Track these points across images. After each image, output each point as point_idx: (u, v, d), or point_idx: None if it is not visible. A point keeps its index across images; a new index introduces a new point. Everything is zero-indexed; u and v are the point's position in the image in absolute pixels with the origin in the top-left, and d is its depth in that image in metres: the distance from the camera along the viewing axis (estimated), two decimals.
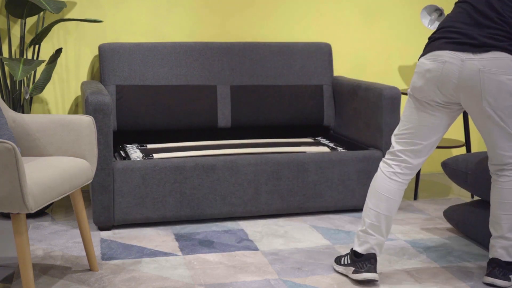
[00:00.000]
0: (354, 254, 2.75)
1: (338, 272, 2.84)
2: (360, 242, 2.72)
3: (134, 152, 3.49)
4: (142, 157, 3.43)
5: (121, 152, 3.57)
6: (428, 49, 2.53)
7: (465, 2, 2.57)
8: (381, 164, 2.72)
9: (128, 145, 3.66)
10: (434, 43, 2.52)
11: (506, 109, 2.49)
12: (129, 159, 3.43)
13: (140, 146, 3.64)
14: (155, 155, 3.44)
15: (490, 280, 2.69)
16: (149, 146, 3.64)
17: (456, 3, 2.64)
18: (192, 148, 3.60)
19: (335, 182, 3.51)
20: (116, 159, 3.48)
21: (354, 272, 2.71)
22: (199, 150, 3.55)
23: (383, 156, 3.62)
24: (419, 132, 2.61)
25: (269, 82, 3.89)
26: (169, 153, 3.49)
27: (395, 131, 2.70)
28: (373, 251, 2.71)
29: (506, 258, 2.69)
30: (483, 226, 3.10)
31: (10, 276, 2.77)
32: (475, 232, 3.16)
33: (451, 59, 2.46)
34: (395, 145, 2.67)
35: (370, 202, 2.70)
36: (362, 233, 2.72)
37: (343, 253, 3.07)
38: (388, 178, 2.67)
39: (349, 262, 2.78)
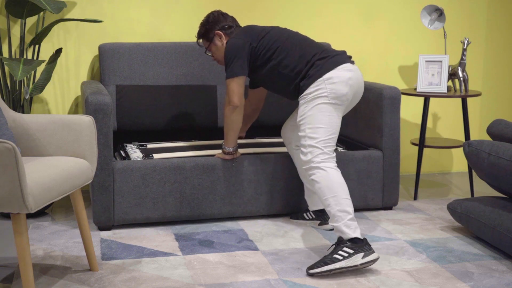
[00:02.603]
0: (353, 241, 2.83)
1: (334, 270, 2.79)
2: (353, 229, 2.87)
3: (134, 152, 3.49)
4: (142, 157, 3.43)
5: (121, 151, 3.57)
6: (333, 64, 3.01)
7: (288, 44, 3.15)
8: (327, 164, 2.94)
9: (128, 144, 3.66)
10: (335, 59, 3.03)
11: None
12: (129, 159, 3.43)
13: (140, 145, 3.64)
14: (155, 155, 3.44)
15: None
16: (149, 145, 3.64)
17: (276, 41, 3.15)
18: (192, 148, 3.60)
19: None
20: (116, 159, 3.48)
21: (365, 255, 2.80)
22: (199, 150, 3.55)
23: (384, 156, 3.62)
24: (339, 129, 3.05)
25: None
26: (169, 153, 3.49)
27: (320, 137, 2.94)
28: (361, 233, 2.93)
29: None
30: (487, 221, 3.09)
31: (10, 276, 2.77)
32: (478, 227, 3.16)
33: (353, 69, 3.05)
34: (325, 147, 2.95)
35: (341, 194, 2.90)
36: (350, 221, 2.87)
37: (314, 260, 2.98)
38: (338, 170, 2.97)
39: (351, 251, 2.80)
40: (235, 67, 3.12)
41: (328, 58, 3.05)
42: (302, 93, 3.04)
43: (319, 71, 3.01)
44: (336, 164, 2.97)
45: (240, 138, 3.63)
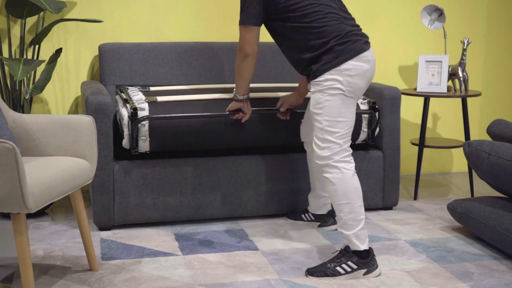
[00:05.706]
0: (359, 256, 2.77)
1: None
2: (362, 240, 2.79)
3: (136, 95, 3.32)
4: (145, 99, 3.24)
5: (122, 94, 3.39)
6: (352, 52, 2.75)
7: (321, 4, 2.81)
8: (346, 166, 2.77)
9: (130, 87, 3.49)
10: (354, 46, 2.77)
11: None
12: (131, 101, 3.25)
13: (143, 88, 3.50)
14: (159, 98, 3.26)
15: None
16: (152, 88, 3.47)
17: (308, 5, 2.79)
18: (198, 91, 3.45)
19: None
20: (116, 103, 3.29)
21: (368, 272, 2.77)
22: (204, 94, 3.38)
23: (384, 155, 3.62)
24: (354, 122, 2.86)
25: (269, 82, 3.89)
26: (173, 96, 3.32)
27: (339, 132, 2.75)
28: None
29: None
30: (487, 221, 3.09)
31: (10, 276, 2.77)
32: (478, 226, 3.16)
33: (371, 57, 2.82)
34: (344, 142, 2.78)
35: (356, 201, 2.78)
36: (361, 231, 2.78)
37: (314, 264, 2.92)
38: (355, 173, 2.81)
39: (355, 267, 2.76)
40: (248, 15, 2.86)
41: (347, 44, 2.75)
42: (314, 78, 2.78)
43: (337, 58, 2.73)
44: (353, 164, 2.79)
45: (290, 108, 3.34)
